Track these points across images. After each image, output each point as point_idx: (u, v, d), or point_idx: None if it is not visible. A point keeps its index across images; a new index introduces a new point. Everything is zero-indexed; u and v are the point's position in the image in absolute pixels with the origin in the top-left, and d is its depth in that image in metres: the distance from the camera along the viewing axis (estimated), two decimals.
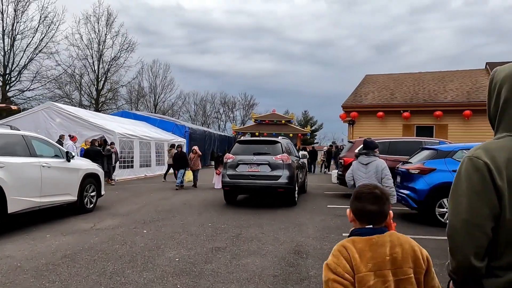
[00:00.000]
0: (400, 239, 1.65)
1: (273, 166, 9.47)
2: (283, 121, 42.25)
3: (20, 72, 30.67)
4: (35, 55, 31.10)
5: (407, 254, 1.60)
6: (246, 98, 68.99)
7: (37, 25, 30.63)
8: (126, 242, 6.13)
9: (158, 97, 58.11)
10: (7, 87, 30.01)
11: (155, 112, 49.73)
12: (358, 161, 5.76)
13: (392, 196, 5.25)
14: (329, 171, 24.70)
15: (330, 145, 24.91)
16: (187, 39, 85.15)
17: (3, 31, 29.43)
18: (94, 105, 42.20)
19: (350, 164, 11.82)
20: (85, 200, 8.61)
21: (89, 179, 8.75)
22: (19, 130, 7.35)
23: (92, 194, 8.92)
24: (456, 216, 1.35)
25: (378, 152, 5.70)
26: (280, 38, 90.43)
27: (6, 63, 29.63)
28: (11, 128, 7.06)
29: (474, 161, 1.33)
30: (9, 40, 29.74)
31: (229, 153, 10.04)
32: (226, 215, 8.61)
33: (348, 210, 1.77)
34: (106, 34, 42.44)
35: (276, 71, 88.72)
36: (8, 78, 29.88)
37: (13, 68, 30.16)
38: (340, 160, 11.99)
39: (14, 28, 29.86)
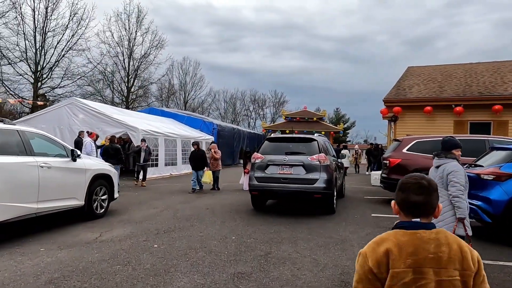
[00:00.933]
0: (448, 238, 1.53)
1: (308, 168, 8.12)
2: (315, 118, 40.58)
3: (51, 70, 30.73)
4: (65, 52, 31.05)
5: (454, 255, 1.49)
6: (276, 96, 67.75)
7: (67, 22, 30.50)
8: (129, 262, 5.00)
9: (188, 94, 57.90)
10: (39, 84, 30.13)
11: (185, 110, 49.38)
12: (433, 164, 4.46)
13: (458, 208, 3.89)
14: (368, 171, 22.95)
15: (371, 144, 23.12)
16: (216, 37, 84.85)
17: (35, 28, 29.52)
18: (124, 102, 42.24)
19: (398, 165, 10.35)
20: (95, 205, 7.61)
21: (100, 181, 7.74)
22: (15, 124, 6.40)
23: (103, 197, 7.91)
24: None
25: (459, 152, 4.27)
26: (310, 35, 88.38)
27: (37, 61, 29.73)
28: (4, 122, 6.10)
29: None
30: (41, 37, 29.81)
31: (257, 152, 8.77)
32: (254, 225, 7.35)
33: (393, 202, 1.70)
34: (136, 31, 42.35)
35: (306, 69, 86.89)
36: (40, 76, 29.99)
37: (44, 66, 30.23)
38: (385, 161, 10.45)
39: (45, 25, 29.90)
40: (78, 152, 7.27)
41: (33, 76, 29.92)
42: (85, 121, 16.21)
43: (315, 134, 9.22)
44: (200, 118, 27.60)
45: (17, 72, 29.27)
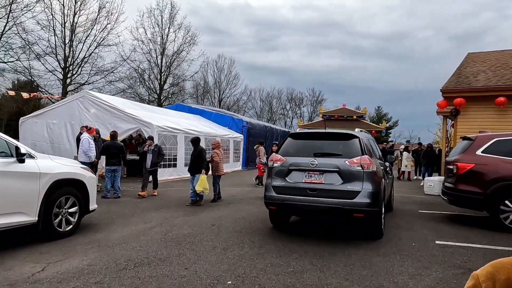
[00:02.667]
0: None
1: (346, 176, 5.80)
2: (355, 117, 37.63)
3: (80, 66, 30.06)
4: (94, 48, 30.28)
5: None
6: (314, 94, 65.03)
7: (96, 16, 29.67)
8: None
9: (223, 92, 56.59)
10: (69, 80, 29.53)
11: (219, 108, 47.98)
12: None
13: None
14: (416, 176, 19.96)
15: (419, 144, 20.11)
16: (254, 37, 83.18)
17: (64, 23, 28.90)
18: (156, 99, 41.39)
19: (470, 172, 7.76)
20: (57, 221, 5.73)
21: (66, 189, 5.86)
22: None
23: (72, 210, 6.01)
24: None
25: None
26: (349, 33, 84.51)
27: (66, 56, 29.11)
28: None
29: None
30: (70, 33, 29.16)
31: (276, 153, 6.54)
32: (266, 256, 5.15)
33: None
34: (169, 27, 41.40)
35: (345, 67, 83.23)
36: (68, 71, 29.36)
37: (73, 62, 29.59)
38: (450, 166, 7.85)
39: (74, 20, 29.23)
40: (29, 150, 5.41)
41: (62, 72, 29.33)
42: (97, 115, 14.70)
43: (356, 130, 6.85)
44: (228, 115, 25.69)
45: (47, 69, 28.77)
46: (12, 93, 19.59)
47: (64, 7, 28.78)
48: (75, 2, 29.09)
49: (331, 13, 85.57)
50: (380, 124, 40.77)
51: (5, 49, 23.57)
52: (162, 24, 40.78)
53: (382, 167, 6.86)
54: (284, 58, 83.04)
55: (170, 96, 43.52)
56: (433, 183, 12.58)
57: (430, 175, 17.30)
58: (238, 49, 79.32)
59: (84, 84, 30.05)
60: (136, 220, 7.41)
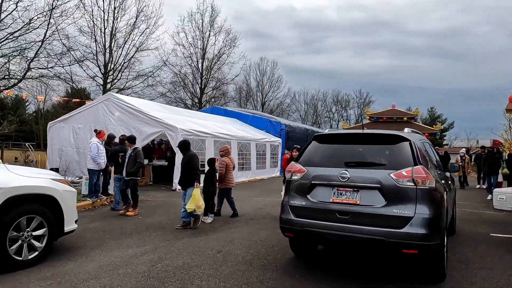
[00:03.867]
0: None
1: (391, 195, 4.09)
2: (405, 118, 34.70)
3: (120, 71, 30.11)
4: (134, 53, 30.22)
5: None
6: (361, 96, 61.96)
7: (134, 21, 29.58)
8: None
9: (266, 95, 55.46)
10: (109, 85, 29.65)
11: (262, 111, 46.84)
12: None
13: None
14: (480, 185, 17.25)
15: (482, 147, 17.38)
16: (299, 39, 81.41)
17: (104, 29, 29.08)
18: (197, 104, 41.01)
19: None
20: (14, 247, 4.55)
21: (28, 207, 4.68)
22: None
23: (38, 233, 4.82)
24: None
25: None
26: (399, 31, 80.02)
27: (106, 62, 29.24)
28: None
29: None
30: (109, 38, 29.29)
31: (296, 161, 4.93)
32: None
33: None
34: (209, 30, 40.96)
35: (394, 67, 78.85)
36: (108, 77, 29.48)
37: (112, 67, 29.69)
38: None
39: (114, 26, 29.34)
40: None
41: (102, 78, 29.51)
42: (121, 119, 13.86)
43: (406, 130, 5.07)
44: (266, 118, 24.26)
45: (88, 75, 29.04)
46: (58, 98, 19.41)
47: (104, 13, 28.90)
48: (114, 8, 29.12)
49: (379, 12, 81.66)
50: (434, 126, 37.37)
51: (47, 55, 23.80)
52: (202, 28, 40.39)
53: (443, 180, 5.03)
54: (330, 60, 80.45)
55: (211, 100, 42.99)
56: (506, 195, 10.26)
57: (495, 185, 14.77)
58: (283, 53, 77.98)
59: (123, 89, 30.03)
60: (129, 242, 6.12)
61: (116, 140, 10.07)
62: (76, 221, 5.51)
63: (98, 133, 9.46)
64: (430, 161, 4.83)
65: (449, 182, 6.12)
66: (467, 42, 78.61)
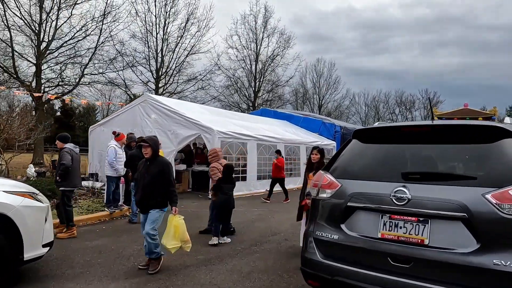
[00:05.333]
0: None
1: (489, 231, 2.31)
2: (480, 118, 30.46)
3: (172, 75, 30.03)
4: (185, 57, 30.01)
5: None
6: (427, 96, 57.08)
7: (185, 25, 29.31)
8: None
9: (323, 97, 53.17)
10: (161, 90, 29.67)
11: (319, 113, 44.78)
12: None
13: None
14: None
15: None
16: (360, 40, 77.63)
17: (156, 34, 29.15)
18: (251, 107, 40.09)
19: None
20: None
21: None
22: None
23: None
24: None
25: None
26: (471, 27, 72.83)
27: (158, 66, 29.28)
28: None
29: None
30: (161, 42, 29.31)
31: (326, 171, 3.25)
32: None
33: None
34: (263, 32, 39.97)
35: (466, 65, 71.78)
36: (159, 81, 29.51)
37: (165, 71, 29.67)
38: None
39: (165, 30, 29.33)
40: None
41: (154, 83, 29.61)
42: (157, 121, 12.96)
43: (508, 120, 3.16)
44: (319, 119, 22.39)
45: (141, 80, 29.29)
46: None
47: (156, 18, 28.97)
48: (166, 13, 29.08)
49: (447, 7, 75.31)
50: None
51: (98, 61, 24.17)
52: (256, 29, 39.48)
53: None
54: (394, 61, 75.53)
55: (265, 103, 41.83)
56: None
57: None
58: (343, 55, 74.78)
59: (174, 93, 29.88)
60: (121, 270, 4.82)
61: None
62: (48, 244, 4.32)
63: (117, 136, 8.46)
64: None
65: None
66: None
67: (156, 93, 29.28)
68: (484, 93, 74.46)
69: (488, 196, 2.33)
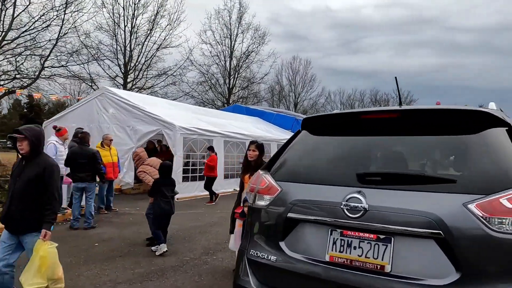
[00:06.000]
0: None
1: (473, 255, 1.65)
2: None
3: (140, 70, 28.83)
4: (155, 51, 28.89)
5: None
6: (401, 95, 57.79)
7: (154, 17, 28.17)
8: None
9: (298, 95, 52.84)
10: (130, 85, 28.43)
11: (295, 111, 44.37)
12: None
13: None
14: None
15: None
16: (337, 40, 77.88)
17: (125, 26, 27.88)
18: (226, 104, 39.22)
19: None
20: None
21: None
22: None
23: None
24: None
25: None
26: (444, 28, 74.46)
27: (126, 61, 28.03)
28: None
29: None
30: (129, 36, 28.09)
31: (266, 170, 2.52)
32: None
33: None
34: (237, 27, 39.18)
35: (440, 66, 73.33)
36: (127, 76, 28.26)
37: (133, 66, 28.45)
38: None
39: (134, 23, 28.11)
40: None
41: (122, 78, 28.36)
42: (116, 117, 11.99)
43: (493, 106, 2.51)
44: (291, 116, 21.86)
45: (108, 75, 27.97)
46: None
47: (124, 10, 27.72)
48: (134, 5, 27.86)
49: (422, 9, 76.62)
50: None
51: (59, 54, 22.77)
52: (230, 25, 38.64)
53: None
54: (370, 60, 76.23)
55: (240, 100, 41.03)
56: None
57: None
58: (320, 54, 74.82)
59: (143, 88, 28.72)
60: None
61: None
62: None
63: (58, 131, 7.53)
64: None
65: None
66: None
67: (125, 88, 28.02)
68: (457, 93, 76.24)
69: (472, 207, 1.67)
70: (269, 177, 2.38)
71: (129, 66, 28.29)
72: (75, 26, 23.80)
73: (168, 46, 29.59)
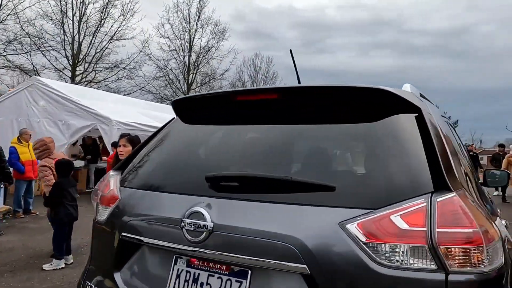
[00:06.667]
0: None
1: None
2: None
3: (90, 62, 27.18)
4: (107, 42, 27.33)
5: None
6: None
7: (105, 6, 26.65)
8: None
9: None
10: (79, 78, 26.74)
11: None
12: None
13: None
14: (498, 192, 13.95)
15: (502, 145, 14.31)
16: (301, 39, 78.39)
17: (73, 16, 26.19)
18: None
19: None
20: None
21: None
22: None
23: None
24: None
25: None
26: (403, 31, 77.14)
27: (75, 52, 26.32)
28: None
29: None
30: (79, 26, 26.40)
31: (119, 170, 1.86)
32: None
33: None
34: (197, 22, 38.04)
35: (399, 67, 75.94)
36: (75, 68, 26.57)
37: (83, 58, 26.77)
38: None
39: (83, 13, 26.47)
40: None
41: (71, 70, 26.62)
42: (46, 109, 10.89)
43: (408, 88, 1.98)
44: None
45: (55, 67, 26.16)
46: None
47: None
48: None
49: (382, 11, 78.80)
50: None
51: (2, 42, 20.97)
52: (189, 19, 37.45)
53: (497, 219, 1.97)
54: (333, 60, 77.37)
55: None
56: None
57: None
58: (284, 53, 75.00)
59: (93, 81, 27.13)
60: None
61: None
62: None
63: None
64: (469, 174, 1.77)
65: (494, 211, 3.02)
66: (472, 42, 75.80)
67: (73, 81, 26.32)
68: None
69: (352, 227, 1.12)
70: (114, 180, 1.73)
71: (78, 58, 26.60)
72: (16, 13, 22.04)
73: (121, 38, 28.18)
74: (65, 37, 26.24)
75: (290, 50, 2.13)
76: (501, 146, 14.33)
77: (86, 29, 27.07)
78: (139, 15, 30.87)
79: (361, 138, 1.38)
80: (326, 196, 1.19)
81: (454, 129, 2.91)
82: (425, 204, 1.09)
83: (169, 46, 36.79)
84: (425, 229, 1.06)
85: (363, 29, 79.84)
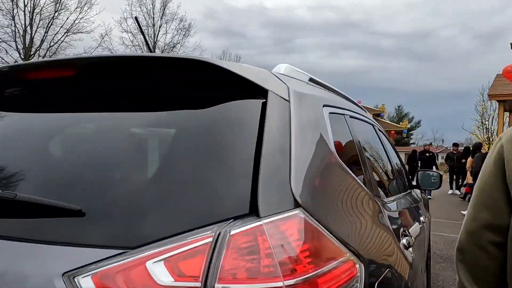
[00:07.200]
0: None
1: None
2: (372, 115, 32.26)
3: (45, 56, 25.72)
4: (62, 36, 26.01)
5: None
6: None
7: None
8: None
9: None
10: None
11: None
12: None
13: None
14: (453, 190, 14.18)
15: (455, 144, 14.46)
16: (272, 39, 78.53)
17: (25, 6, 24.71)
18: None
19: None
20: None
21: None
22: None
23: None
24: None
25: None
26: (370, 32, 79.15)
27: (27, 45, 24.81)
28: None
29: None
30: (31, 17, 24.93)
31: None
32: None
33: None
34: (161, 17, 37.03)
35: (366, 68, 77.75)
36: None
37: (36, 51, 25.30)
38: None
39: (35, 3, 25.01)
40: None
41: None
42: None
43: (281, 67, 1.53)
44: None
45: (5, 61, 24.57)
46: None
47: None
48: None
49: (350, 13, 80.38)
50: (401, 124, 35.12)
51: None
52: (153, 14, 36.40)
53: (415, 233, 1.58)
54: (303, 60, 78.22)
55: None
56: None
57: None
58: (255, 52, 74.80)
59: None
60: None
61: None
62: None
63: None
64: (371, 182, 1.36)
65: (423, 222, 2.63)
66: (434, 44, 78.76)
67: None
68: (379, 94, 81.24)
69: (84, 282, 0.65)
70: None
71: (30, 51, 25.09)
72: None
73: (79, 31, 26.87)
74: (16, 29, 24.69)
75: (136, 18, 1.73)
76: (455, 145, 14.53)
77: (39, 21, 25.61)
78: (97, 7, 29.47)
79: (158, 133, 0.93)
80: (68, 226, 0.72)
81: (381, 131, 2.57)
82: (210, 239, 0.64)
83: (132, 42, 35.74)
84: (198, 284, 0.61)
85: (332, 30, 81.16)
